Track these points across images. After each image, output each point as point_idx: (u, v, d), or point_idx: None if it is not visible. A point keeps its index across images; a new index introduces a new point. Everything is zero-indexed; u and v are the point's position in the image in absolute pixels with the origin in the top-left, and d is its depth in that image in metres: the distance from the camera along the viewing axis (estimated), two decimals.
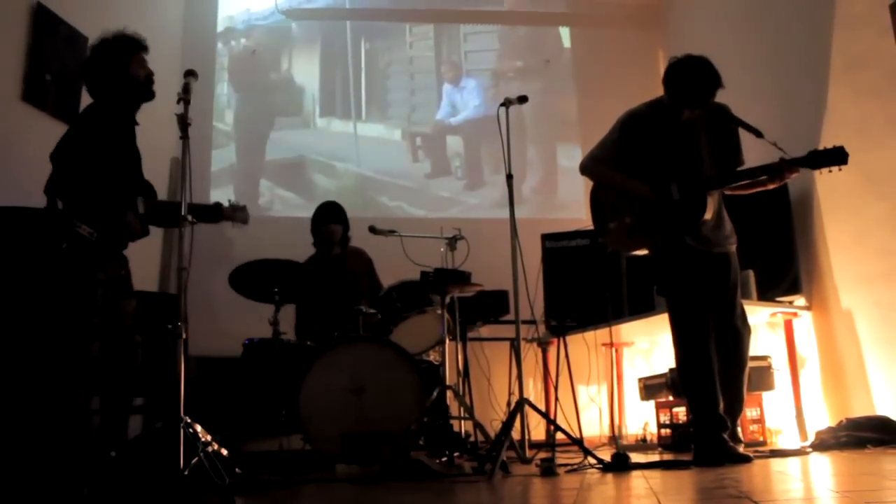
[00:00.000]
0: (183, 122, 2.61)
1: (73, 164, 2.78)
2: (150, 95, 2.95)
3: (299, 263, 4.14)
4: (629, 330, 4.78)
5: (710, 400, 3.06)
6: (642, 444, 4.79)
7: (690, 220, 3.13)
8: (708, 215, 3.15)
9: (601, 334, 5.04)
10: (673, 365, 4.44)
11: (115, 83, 2.86)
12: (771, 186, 3.20)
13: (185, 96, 2.66)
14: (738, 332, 3.22)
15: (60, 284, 2.76)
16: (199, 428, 2.60)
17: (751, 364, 4.05)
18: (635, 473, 2.77)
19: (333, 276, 4.43)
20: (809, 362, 4.15)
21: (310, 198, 5.92)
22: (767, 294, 4.09)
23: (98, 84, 2.91)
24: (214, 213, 3.28)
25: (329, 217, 4.49)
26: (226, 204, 3.34)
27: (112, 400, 2.85)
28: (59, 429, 2.69)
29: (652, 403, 4.53)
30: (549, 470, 2.85)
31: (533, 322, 4.22)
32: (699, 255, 3.18)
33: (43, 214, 2.87)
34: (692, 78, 3.13)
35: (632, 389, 5.13)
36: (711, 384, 3.08)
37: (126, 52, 2.92)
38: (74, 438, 2.67)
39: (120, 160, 2.86)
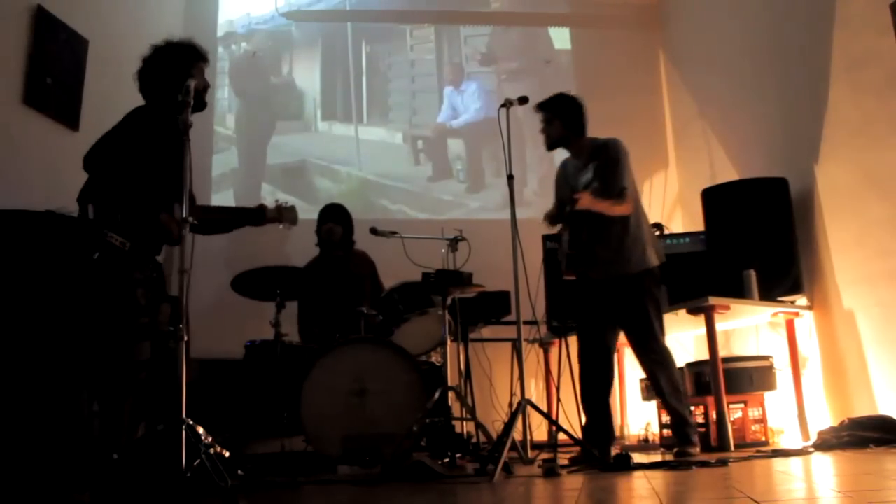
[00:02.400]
0: (184, 126, 2.59)
1: (108, 168, 2.76)
2: (201, 107, 2.89)
3: (299, 269, 4.15)
4: None
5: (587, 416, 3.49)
6: (644, 445, 4.78)
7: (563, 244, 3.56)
8: (585, 236, 3.45)
9: None
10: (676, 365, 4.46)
11: (170, 89, 2.79)
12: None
13: (185, 98, 2.64)
14: (648, 361, 3.46)
15: (96, 293, 2.73)
16: (201, 430, 2.60)
17: (753, 364, 4.08)
18: (637, 474, 2.77)
19: (336, 277, 4.44)
20: (811, 362, 4.14)
21: (312, 201, 5.92)
22: (769, 294, 4.08)
23: (152, 86, 2.87)
24: (257, 216, 3.25)
25: (328, 216, 4.50)
26: (272, 205, 3.28)
27: (147, 405, 2.82)
28: (105, 433, 2.68)
29: (654, 404, 4.53)
30: (551, 470, 2.85)
31: (534, 323, 4.22)
32: (585, 282, 3.54)
33: (74, 223, 2.85)
34: None
35: (633, 390, 5.12)
36: (585, 402, 3.49)
37: (188, 60, 2.89)
38: (111, 443, 2.65)
39: (160, 167, 2.79)
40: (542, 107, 3.61)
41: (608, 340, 3.50)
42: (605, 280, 3.47)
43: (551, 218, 3.64)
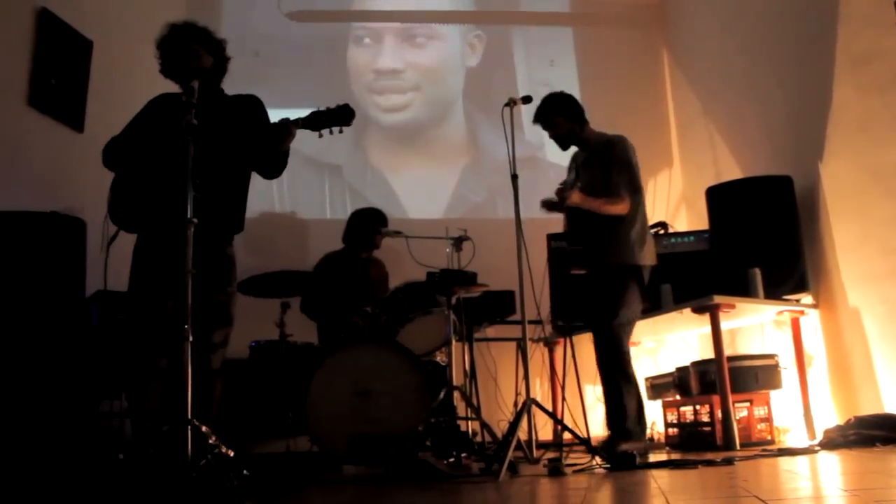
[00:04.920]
0: (187, 126, 2.59)
1: (108, 163, 2.84)
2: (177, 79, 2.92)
3: (310, 274, 4.15)
4: (635, 329, 4.74)
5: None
6: (650, 444, 4.77)
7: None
8: (584, 228, 3.53)
9: None
10: (680, 364, 4.46)
11: (175, 77, 2.96)
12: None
13: (188, 99, 2.64)
14: (609, 370, 3.48)
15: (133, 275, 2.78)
16: (206, 430, 2.60)
17: (758, 362, 4.08)
18: (642, 473, 2.76)
19: (356, 276, 4.44)
20: (817, 360, 4.13)
21: (314, 199, 5.93)
22: (774, 292, 4.07)
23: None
24: (282, 132, 3.04)
25: (381, 223, 4.48)
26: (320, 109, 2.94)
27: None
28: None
29: (659, 403, 4.52)
30: (556, 470, 2.84)
31: (539, 322, 4.22)
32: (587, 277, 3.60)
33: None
34: None
35: None
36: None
37: (164, 44, 3.06)
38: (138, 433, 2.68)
39: (161, 155, 2.78)
40: (538, 117, 3.68)
41: None
42: (593, 271, 3.53)
43: (549, 204, 3.69)
